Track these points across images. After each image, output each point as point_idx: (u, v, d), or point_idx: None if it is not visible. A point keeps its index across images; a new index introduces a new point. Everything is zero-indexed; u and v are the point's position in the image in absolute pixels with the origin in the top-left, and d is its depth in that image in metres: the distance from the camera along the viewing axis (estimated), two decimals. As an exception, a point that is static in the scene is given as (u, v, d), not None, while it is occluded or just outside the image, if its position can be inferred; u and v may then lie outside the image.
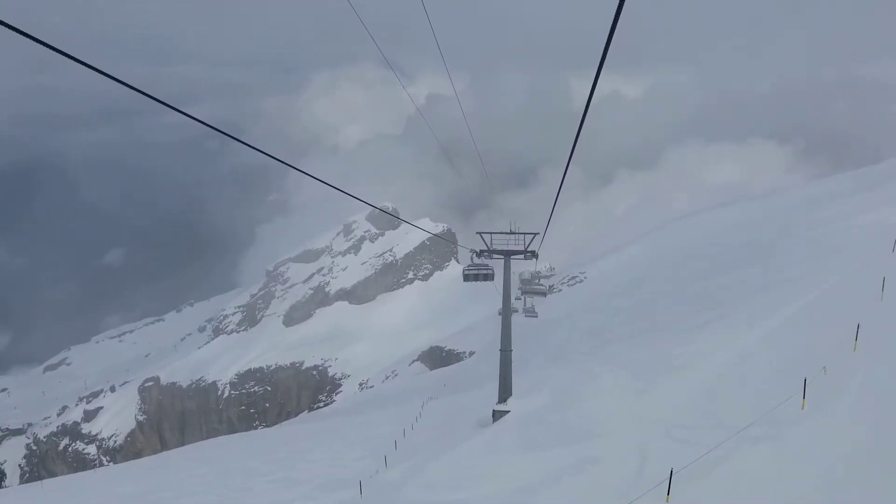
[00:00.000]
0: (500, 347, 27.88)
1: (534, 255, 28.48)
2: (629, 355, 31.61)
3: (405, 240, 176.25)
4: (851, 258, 32.69)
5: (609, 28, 6.02)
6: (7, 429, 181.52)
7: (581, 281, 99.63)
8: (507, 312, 28.57)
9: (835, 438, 12.66)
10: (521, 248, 28.68)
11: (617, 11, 5.79)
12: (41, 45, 5.88)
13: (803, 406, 14.57)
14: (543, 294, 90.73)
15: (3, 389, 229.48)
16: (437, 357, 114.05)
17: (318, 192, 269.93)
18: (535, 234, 28.17)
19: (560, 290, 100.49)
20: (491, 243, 28.93)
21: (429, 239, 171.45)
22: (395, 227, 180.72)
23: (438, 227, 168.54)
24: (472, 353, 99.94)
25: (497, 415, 25.43)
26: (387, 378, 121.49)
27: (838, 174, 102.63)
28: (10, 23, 5.52)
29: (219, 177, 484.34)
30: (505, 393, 26.81)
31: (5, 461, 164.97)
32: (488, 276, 30.17)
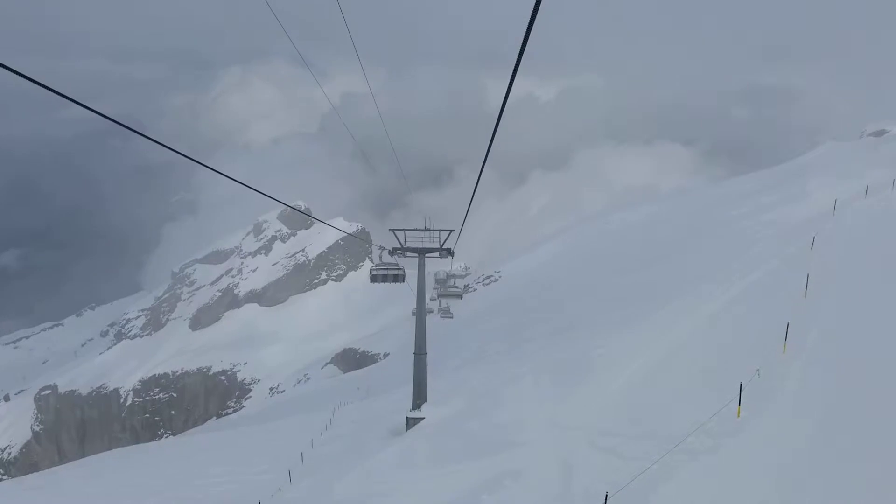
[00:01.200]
0: (414, 350, 26.18)
1: (449, 252, 26.75)
2: (548, 355, 30.59)
3: (318, 240, 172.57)
4: (768, 255, 32.65)
5: (525, 30, 5.98)
6: None
7: (496, 280, 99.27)
8: (421, 313, 26.84)
9: (776, 448, 11.58)
10: (437, 245, 27.00)
11: (532, 16, 5.76)
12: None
13: (739, 413, 13.57)
14: (459, 297, 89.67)
15: None
16: (352, 359, 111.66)
17: (228, 192, 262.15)
18: (451, 230, 26.56)
19: (475, 290, 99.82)
20: (405, 241, 27.04)
21: (343, 239, 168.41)
22: (307, 227, 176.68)
23: (353, 227, 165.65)
24: (386, 355, 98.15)
25: (411, 422, 23.77)
26: (299, 382, 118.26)
27: (742, 175, 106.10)
28: None
29: (122, 175, 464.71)
30: (419, 399, 25.14)
31: None
32: (398, 277, 27.76)
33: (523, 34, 6.03)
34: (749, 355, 16.89)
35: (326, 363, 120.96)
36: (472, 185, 12.63)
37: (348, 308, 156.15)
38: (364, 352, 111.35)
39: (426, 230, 27.02)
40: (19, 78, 6.17)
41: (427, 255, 26.86)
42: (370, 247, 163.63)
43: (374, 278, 27.85)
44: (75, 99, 6.91)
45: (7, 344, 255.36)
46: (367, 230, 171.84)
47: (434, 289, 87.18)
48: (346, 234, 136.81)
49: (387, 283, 28.48)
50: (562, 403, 18.68)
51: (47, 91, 6.50)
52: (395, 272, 27.68)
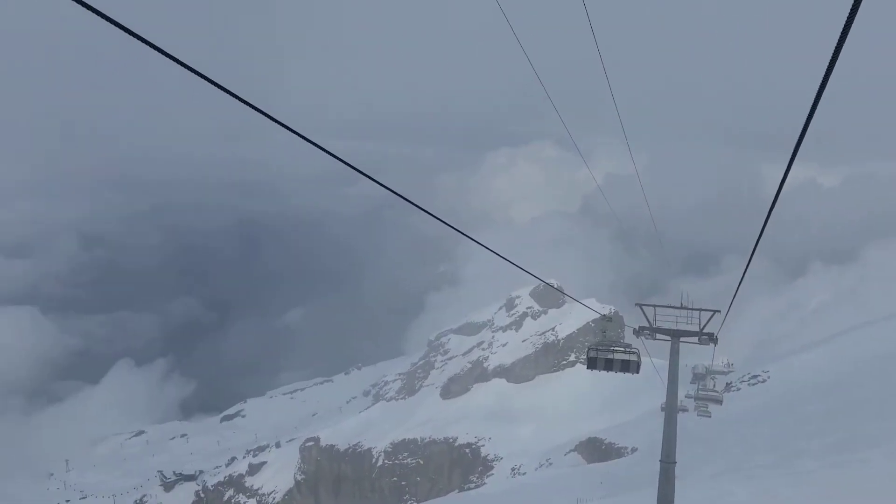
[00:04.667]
0: (660, 456, 21.76)
1: (712, 339, 21.40)
2: (831, 476, 24.95)
3: (569, 319, 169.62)
4: None
5: (807, 114, 5.74)
6: (181, 474, 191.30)
7: (764, 381, 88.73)
8: (671, 411, 22.03)
9: None
10: (696, 329, 22.24)
11: (815, 99, 5.54)
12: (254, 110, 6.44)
13: None
14: (719, 402, 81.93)
15: (184, 435, 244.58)
16: (596, 449, 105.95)
17: (487, 265, 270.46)
18: (716, 311, 21.67)
19: (739, 389, 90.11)
20: (654, 319, 22.10)
21: (594, 321, 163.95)
22: (558, 306, 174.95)
23: (605, 309, 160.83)
24: (634, 450, 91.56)
25: (653, 546, 19.91)
26: (540, 465, 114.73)
27: None
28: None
29: (394, 246, 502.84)
30: (664, 516, 21.03)
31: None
32: (630, 365, 19.69)
33: (804, 120, 5.72)
34: None
35: (570, 450, 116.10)
36: (740, 274, 12.02)
37: (596, 394, 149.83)
38: (610, 443, 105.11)
39: (682, 308, 22.02)
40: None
41: (683, 338, 22.19)
42: (622, 330, 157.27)
43: (591, 363, 19.93)
44: (367, 174, 8.24)
45: (285, 394, 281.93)
46: (620, 314, 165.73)
47: (691, 382, 79.76)
48: (598, 316, 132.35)
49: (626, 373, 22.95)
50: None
51: (341, 166, 7.77)
52: (626, 357, 19.65)
